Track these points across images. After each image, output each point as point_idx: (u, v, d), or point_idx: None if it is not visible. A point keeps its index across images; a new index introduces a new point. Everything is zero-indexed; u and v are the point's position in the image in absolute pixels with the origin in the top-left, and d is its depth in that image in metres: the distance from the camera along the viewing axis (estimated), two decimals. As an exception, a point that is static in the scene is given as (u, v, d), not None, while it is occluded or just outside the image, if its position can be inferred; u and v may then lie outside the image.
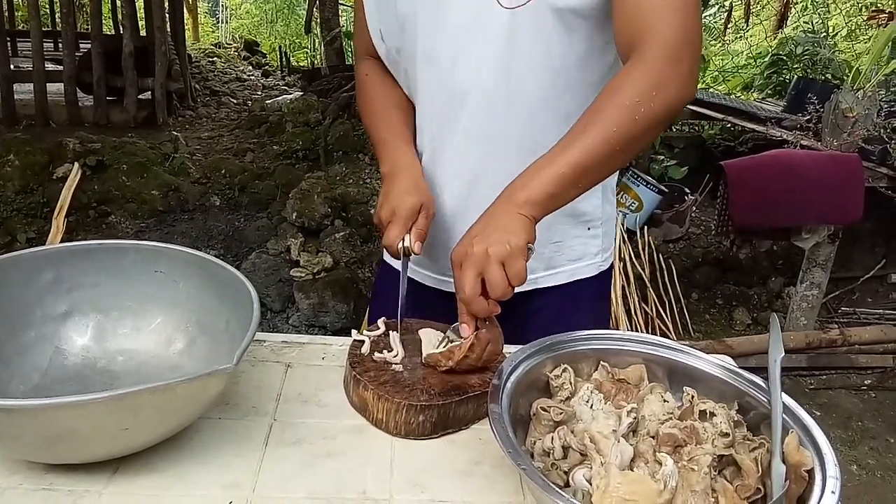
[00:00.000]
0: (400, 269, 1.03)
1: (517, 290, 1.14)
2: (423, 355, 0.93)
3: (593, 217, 1.17)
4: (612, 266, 1.25)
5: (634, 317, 3.48)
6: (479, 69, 1.01)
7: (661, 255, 3.85)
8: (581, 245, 1.17)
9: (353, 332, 0.99)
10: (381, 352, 0.94)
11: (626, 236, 3.79)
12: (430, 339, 0.95)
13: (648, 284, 3.66)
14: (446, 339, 0.93)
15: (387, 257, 1.26)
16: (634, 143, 0.90)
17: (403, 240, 1.00)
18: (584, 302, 1.20)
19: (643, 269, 3.71)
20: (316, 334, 3.32)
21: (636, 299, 3.53)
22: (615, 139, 0.87)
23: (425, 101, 1.11)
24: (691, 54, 0.88)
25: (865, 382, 3.36)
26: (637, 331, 3.40)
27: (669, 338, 3.49)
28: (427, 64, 1.06)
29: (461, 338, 0.89)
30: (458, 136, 1.08)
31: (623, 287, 3.51)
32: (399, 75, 1.15)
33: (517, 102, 1.03)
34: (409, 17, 1.04)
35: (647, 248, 3.82)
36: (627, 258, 3.66)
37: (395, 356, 0.93)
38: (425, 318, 1.04)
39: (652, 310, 3.58)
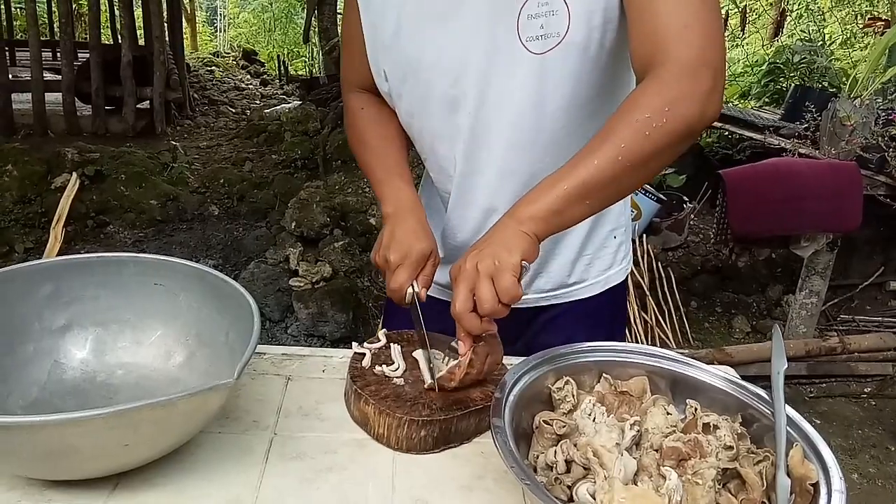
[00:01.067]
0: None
1: (546, 303, 1.16)
2: (426, 384, 0.91)
3: (617, 225, 1.18)
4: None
5: (634, 325, 3.48)
6: (509, 110, 1.00)
7: (659, 264, 3.85)
8: (610, 255, 1.19)
9: (354, 344, 0.99)
10: (381, 365, 0.93)
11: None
12: (425, 361, 0.94)
13: (647, 293, 3.66)
14: (447, 356, 0.92)
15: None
16: (647, 161, 0.86)
17: (413, 285, 0.98)
18: (607, 306, 1.22)
19: (642, 278, 3.71)
20: (315, 344, 3.32)
21: (636, 307, 3.53)
22: (625, 156, 0.84)
23: (445, 142, 1.09)
24: (711, 73, 0.86)
25: (865, 390, 3.35)
26: (636, 339, 3.40)
27: (669, 346, 3.49)
28: (448, 108, 1.04)
29: (459, 355, 0.88)
30: (486, 172, 1.07)
31: (627, 299, 3.52)
32: (401, 114, 1.13)
33: (545, 136, 1.02)
34: (422, 61, 1.02)
35: (646, 256, 3.82)
36: (631, 261, 3.66)
37: (395, 370, 0.93)
38: (444, 332, 1.02)
39: (651, 318, 3.58)
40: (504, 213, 1.01)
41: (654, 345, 3.26)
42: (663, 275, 3.79)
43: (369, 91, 1.16)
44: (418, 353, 0.97)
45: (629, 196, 1.20)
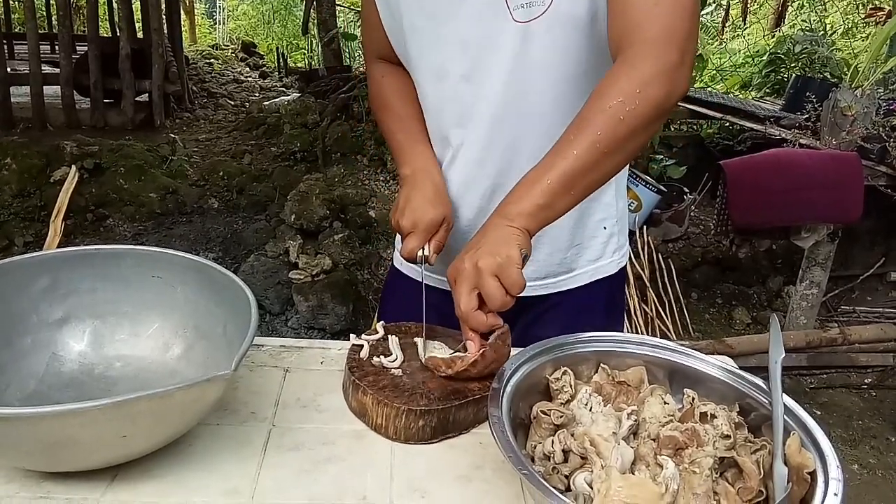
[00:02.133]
0: (411, 277, 1.03)
1: (534, 293, 1.16)
2: (424, 357, 0.92)
3: (608, 215, 1.17)
4: (627, 262, 1.26)
5: (634, 317, 3.48)
6: (493, 82, 1.01)
7: (660, 255, 3.85)
8: (600, 245, 1.18)
9: (352, 336, 0.99)
10: (379, 356, 0.93)
11: (625, 236, 3.79)
12: (433, 347, 0.95)
13: (648, 284, 3.66)
14: (458, 350, 0.93)
15: (397, 263, 1.26)
16: (623, 144, 0.88)
17: (423, 248, 1.00)
18: (601, 298, 1.21)
19: (643, 269, 3.71)
20: (315, 337, 3.33)
21: (636, 299, 3.53)
22: (602, 143, 0.86)
23: (435, 113, 1.10)
24: (678, 52, 0.87)
25: (866, 381, 3.36)
26: (637, 331, 3.40)
27: (669, 338, 3.50)
28: (436, 78, 1.05)
29: (470, 353, 0.88)
30: (473, 147, 1.07)
31: (625, 295, 3.51)
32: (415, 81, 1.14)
33: (531, 111, 1.02)
34: (416, 31, 1.03)
35: (646, 247, 3.82)
36: (627, 258, 3.66)
37: (393, 360, 0.93)
38: (442, 324, 1.03)
39: (652, 310, 3.58)
40: (487, 189, 1.05)
41: (655, 337, 3.26)
42: (664, 266, 3.79)
43: (389, 60, 1.18)
44: (418, 340, 0.97)
45: (624, 189, 1.21)
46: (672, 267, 3.81)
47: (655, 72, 0.86)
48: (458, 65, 1.02)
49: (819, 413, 3.04)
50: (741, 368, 0.87)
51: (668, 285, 3.74)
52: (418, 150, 1.10)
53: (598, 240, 1.17)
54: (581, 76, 1.00)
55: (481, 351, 0.87)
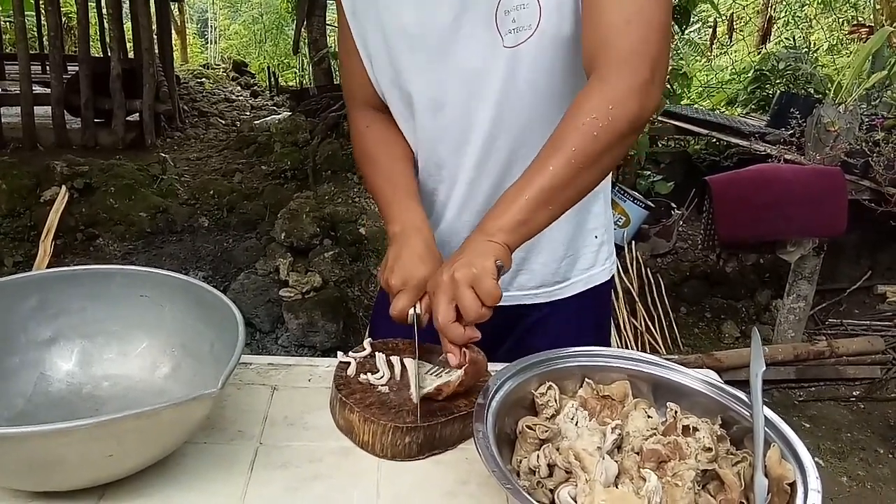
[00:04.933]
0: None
1: (529, 302, 1.17)
2: (414, 396, 0.90)
3: (598, 224, 1.20)
4: (615, 269, 1.29)
5: (624, 331, 3.49)
6: (486, 106, 1.03)
7: (648, 270, 3.87)
8: (592, 254, 1.21)
9: (339, 353, 0.99)
10: (366, 373, 0.94)
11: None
12: (414, 377, 0.94)
13: (637, 299, 3.68)
14: (437, 367, 0.93)
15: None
16: (598, 159, 0.90)
17: (414, 308, 0.97)
18: (593, 307, 1.24)
19: (631, 284, 3.73)
20: (305, 354, 3.32)
21: (625, 314, 3.55)
22: (577, 160, 0.88)
23: (430, 143, 1.11)
24: (650, 67, 0.89)
25: (854, 394, 3.37)
26: (626, 345, 3.41)
27: (659, 352, 3.51)
28: (433, 110, 1.06)
29: (450, 366, 0.89)
30: (467, 169, 1.09)
31: (612, 302, 3.53)
32: (396, 115, 1.14)
33: (522, 129, 1.04)
34: (410, 69, 1.04)
35: (634, 262, 3.84)
36: (616, 273, 3.68)
37: (380, 377, 0.93)
38: (431, 341, 1.03)
39: (641, 324, 3.60)
40: (483, 209, 1.04)
41: (645, 351, 3.28)
42: (652, 281, 3.82)
43: (374, 107, 1.16)
44: (409, 362, 0.96)
45: (609, 198, 1.23)
46: (661, 281, 3.84)
47: (627, 88, 0.88)
48: (457, 95, 1.03)
49: (808, 426, 3.06)
50: (731, 382, 0.88)
51: (656, 300, 3.76)
52: (407, 206, 1.07)
53: (590, 249, 1.20)
54: (567, 94, 1.02)
55: (464, 358, 0.88)
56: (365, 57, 1.11)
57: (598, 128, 0.87)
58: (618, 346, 3.32)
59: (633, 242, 4.01)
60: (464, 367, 0.88)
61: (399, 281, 0.98)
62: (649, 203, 4.27)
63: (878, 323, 3.95)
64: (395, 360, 0.98)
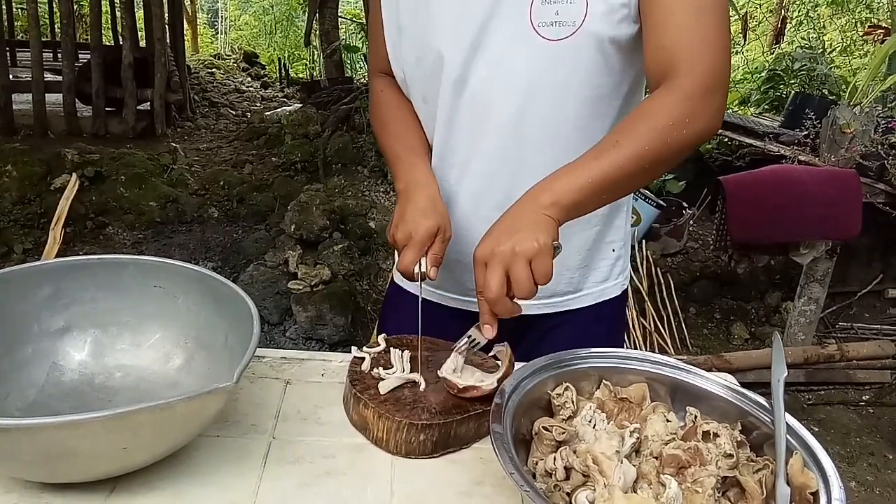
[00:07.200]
0: (413, 293, 1.02)
1: (539, 311, 1.16)
2: (458, 385, 0.89)
3: (616, 238, 1.17)
4: (628, 282, 1.26)
5: (633, 331, 3.48)
6: (515, 96, 1.01)
7: (658, 269, 3.85)
8: (607, 267, 1.18)
9: (353, 348, 0.98)
10: (380, 369, 0.93)
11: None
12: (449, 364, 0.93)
13: (647, 298, 3.66)
14: (469, 340, 0.91)
15: (398, 280, 1.25)
16: (660, 165, 0.92)
17: (420, 264, 0.97)
18: (605, 320, 1.21)
19: (641, 283, 3.71)
20: (313, 347, 3.32)
21: (635, 313, 3.53)
22: (645, 158, 0.88)
23: (453, 126, 1.09)
24: (722, 91, 0.92)
25: (863, 398, 3.35)
26: (635, 345, 3.39)
27: (667, 352, 3.49)
28: (457, 93, 1.04)
29: (484, 337, 0.88)
30: (488, 158, 1.07)
31: (626, 318, 3.52)
32: (415, 101, 1.14)
33: (549, 128, 1.03)
34: (442, 49, 1.02)
35: (645, 262, 3.82)
36: (629, 279, 3.67)
37: (394, 373, 0.92)
38: (439, 337, 1.02)
39: (650, 324, 3.58)
40: (498, 202, 1.02)
41: (653, 351, 3.26)
42: (662, 281, 3.79)
43: (390, 74, 1.17)
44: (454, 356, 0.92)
45: (630, 213, 1.22)
46: (671, 281, 3.81)
47: (703, 108, 0.90)
48: (483, 80, 1.02)
49: (816, 430, 3.04)
50: (740, 384, 0.87)
51: (666, 300, 3.74)
52: (413, 164, 1.08)
53: (606, 262, 1.18)
54: (598, 99, 1.01)
55: (510, 358, 0.88)
56: (395, 28, 1.09)
57: (672, 136, 0.89)
58: (627, 346, 3.31)
59: (644, 241, 3.99)
60: (496, 378, 0.87)
61: (403, 236, 0.99)
62: (661, 202, 4.24)
63: (889, 327, 3.92)
64: (400, 356, 0.97)
